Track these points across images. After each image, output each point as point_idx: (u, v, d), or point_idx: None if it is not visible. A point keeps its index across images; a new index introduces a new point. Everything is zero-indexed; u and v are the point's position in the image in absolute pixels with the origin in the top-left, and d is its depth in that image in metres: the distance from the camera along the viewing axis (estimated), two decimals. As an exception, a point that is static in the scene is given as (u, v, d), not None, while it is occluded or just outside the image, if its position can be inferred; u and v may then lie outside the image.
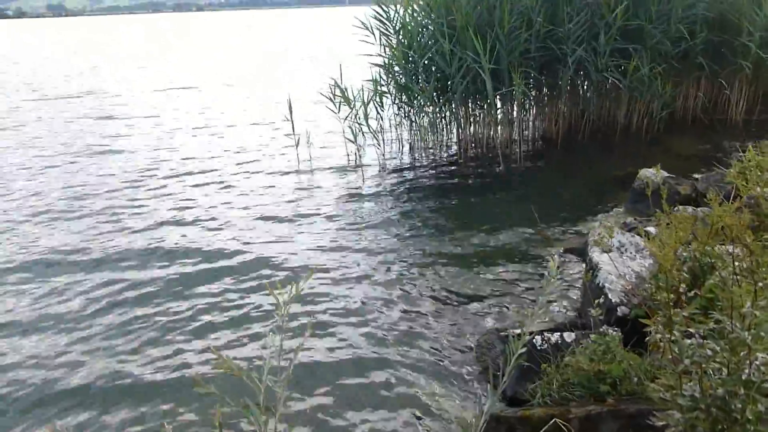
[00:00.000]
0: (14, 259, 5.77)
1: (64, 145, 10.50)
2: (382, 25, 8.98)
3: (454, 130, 9.11)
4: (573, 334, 3.31)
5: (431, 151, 8.99)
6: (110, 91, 17.14)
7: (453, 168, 8.29)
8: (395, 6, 8.85)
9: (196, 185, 7.83)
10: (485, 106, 8.77)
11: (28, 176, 8.63)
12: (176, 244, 6.02)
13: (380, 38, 9.08)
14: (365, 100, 8.54)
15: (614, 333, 3.05)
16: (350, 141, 8.71)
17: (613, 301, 3.53)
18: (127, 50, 35.60)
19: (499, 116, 8.88)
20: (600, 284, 3.72)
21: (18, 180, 8.45)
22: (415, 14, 8.75)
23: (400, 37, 8.84)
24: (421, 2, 8.75)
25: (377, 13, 8.88)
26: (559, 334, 3.33)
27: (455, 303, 4.69)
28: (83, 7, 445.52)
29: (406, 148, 9.33)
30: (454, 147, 9.08)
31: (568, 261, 5.26)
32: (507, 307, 4.57)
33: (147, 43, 43.71)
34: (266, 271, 5.32)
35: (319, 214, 6.66)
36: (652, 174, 5.66)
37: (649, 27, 8.39)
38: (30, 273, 5.48)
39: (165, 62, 26.71)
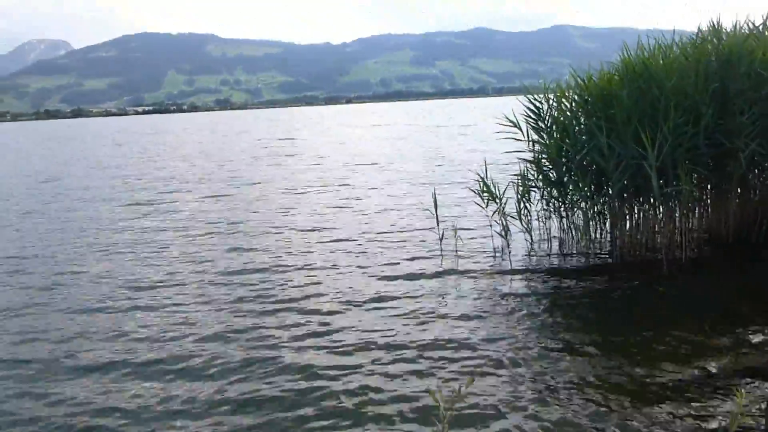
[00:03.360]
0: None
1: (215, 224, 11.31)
2: (531, 118, 8.96)
3: (610, 228, 8.69)
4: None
5: (584, 249, 8.59)
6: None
7: (608, 269, 7.84)
8: (547, 99, 8.80)
9: (336, 293, 7.69)
10: (645, 204, 8.33)
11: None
12: (321, 335, 6.12)
13: (528, 131, 9.06)
14: (518, 195, 8.48)
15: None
16: (499, 235, 8.60)
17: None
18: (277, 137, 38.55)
19: (661, 215, 8.36)
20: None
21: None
22: (570, 108, 8.64)
23: (553, 131, 8.74)
24: (576, 97, 8.64)
25: (528, 108, 8.91)
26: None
27: (615, 419, 4.28)
28: (245, 101, 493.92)
29: (556, 245, 9.03)
30: (610, 246, 8.62)
31: (747, 383, 4.67)
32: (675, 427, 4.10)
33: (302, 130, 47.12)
34: (417, 367, 5.27)
35: (466, 314, 6.52)
36: None
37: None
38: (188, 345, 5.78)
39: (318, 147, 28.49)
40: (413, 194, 14.31)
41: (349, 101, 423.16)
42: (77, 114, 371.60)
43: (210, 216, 12.97)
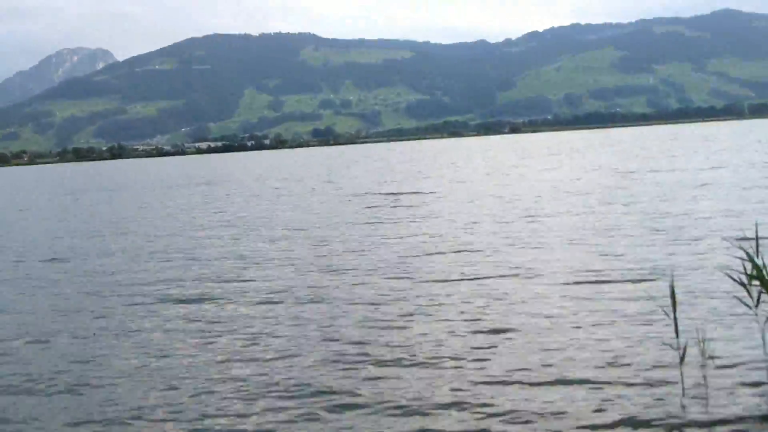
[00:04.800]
0: None
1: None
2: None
3: None
4: None
5: None
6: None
7: None
8: None
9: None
10: None
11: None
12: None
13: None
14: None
15: None
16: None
17: None
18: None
19: None
20: None
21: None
22: None
23: None
24: None
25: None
26: None
27: None
28: (356, 131, 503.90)
29: None
30: None
31: None
32: None
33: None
34: None
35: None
36: None
37: None
38: None
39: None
40: (634, 284, 14.03)
41: (514, 129, 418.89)
42: (116, 153, 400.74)
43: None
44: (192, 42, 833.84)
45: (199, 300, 15.42)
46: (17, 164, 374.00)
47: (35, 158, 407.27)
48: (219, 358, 11.30)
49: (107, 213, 42.03)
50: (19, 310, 15.74)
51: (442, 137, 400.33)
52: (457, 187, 43.80)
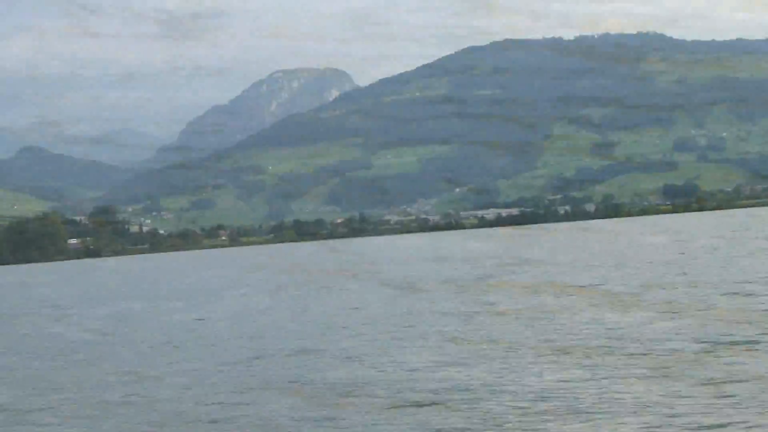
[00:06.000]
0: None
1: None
2: None
3: None
4: None
5: None
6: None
7: None
8: None
9: None
10: None
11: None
12: None
13: None
14: None
15: None
16: None
17: None
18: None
19: None
20: None
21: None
22: None
23: None
24: None
25: None
26: None
27: None
28: (736, 187, 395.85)
29: None
30: None
31: None
32: None
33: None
34: None
35: None
36: None
37: None
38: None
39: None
40: None
41: None
42: (357, 228, 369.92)
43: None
44: (470, 53, 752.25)
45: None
46: (212, 246, 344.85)
47: (238, 236, 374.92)
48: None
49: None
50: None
51: None
52: None
